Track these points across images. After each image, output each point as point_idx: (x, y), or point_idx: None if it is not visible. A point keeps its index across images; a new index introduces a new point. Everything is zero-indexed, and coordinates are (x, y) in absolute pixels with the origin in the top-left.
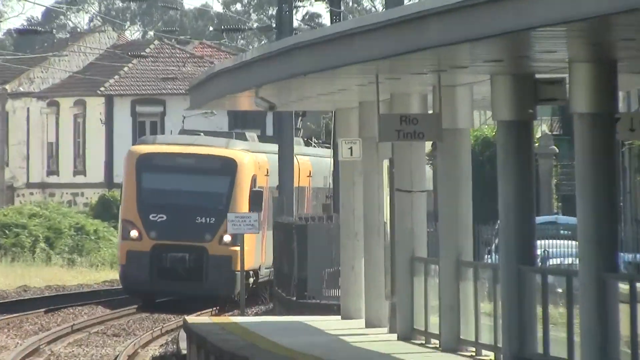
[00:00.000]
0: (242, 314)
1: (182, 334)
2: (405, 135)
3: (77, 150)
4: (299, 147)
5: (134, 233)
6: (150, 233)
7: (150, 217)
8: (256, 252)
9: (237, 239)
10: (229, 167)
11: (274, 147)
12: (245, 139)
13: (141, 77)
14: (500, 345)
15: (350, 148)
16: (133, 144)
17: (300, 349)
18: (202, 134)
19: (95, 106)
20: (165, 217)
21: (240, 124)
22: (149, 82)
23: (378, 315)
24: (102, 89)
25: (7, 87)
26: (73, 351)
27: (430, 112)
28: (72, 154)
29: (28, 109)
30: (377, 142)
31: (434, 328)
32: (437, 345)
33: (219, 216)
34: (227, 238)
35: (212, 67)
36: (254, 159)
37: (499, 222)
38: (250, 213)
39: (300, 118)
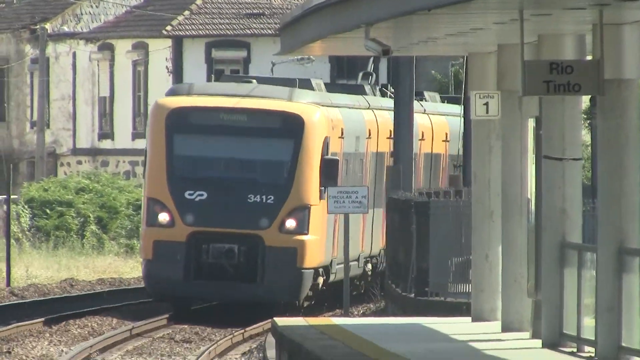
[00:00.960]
0: (346, 314)
1: (270, 339)
2: (556, 87)
3: (137, 107)
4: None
5: (163, 217)
6: (185, 217)
7: (186, 195)
8: (327, 243)
9: (304, 224)
10: (293, 127)
11: (350, 99)
12: (312, 88)
13: (218, 13)
14: None
15: (486, 104)
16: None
17: (419, 359)
18: (254, 80)
19: (160, 50)
20: (205, 196)
21: (346, 73)
22: (228, 20)
23: (518, 316)
24: (168, 28)
25: (47, 26)
26: None
27: (589, 58)
28: (131, 112)
29: (74, 54)
30: (520, 96)
31: (588, 333)
32: (592, 354)
33: (280, 193)
34: (290, 223)
35: (307, 0)
36: (326, 116)
37: None
38: (358, 187)
39: (377, 60)
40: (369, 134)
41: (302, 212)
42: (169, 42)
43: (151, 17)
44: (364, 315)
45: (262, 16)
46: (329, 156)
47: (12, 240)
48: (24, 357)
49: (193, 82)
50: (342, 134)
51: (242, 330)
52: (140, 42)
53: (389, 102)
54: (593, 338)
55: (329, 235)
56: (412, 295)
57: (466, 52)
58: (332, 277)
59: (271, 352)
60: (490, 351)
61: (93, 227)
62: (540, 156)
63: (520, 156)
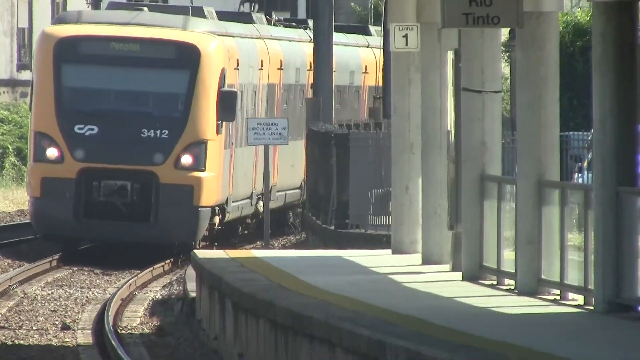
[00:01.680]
0: (266, 246)
1: (190, 272)
2: (475, 20)
3: None
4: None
5: (52, 152)
6: (75, 152)
7: (76, 129)
8: (223, 181)
9: (201, 160)
10: (189, 57)
11: (243, 29)
12: (204, 16)
13: None
14: (591, 287)
15: (406, 36)
16: None
17: (339, 291)
18: (146, 9)
19: None
20: (97, 130)
21: (265, 5)
22: None
23: (438, 249)
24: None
25: None
26: (52, 293)
27: None
28: None
29: None
30: (440, 28)
31: (508, 265)
32: (512, 287)
33: (175, 128)
34: (186, 159)
35: None
36: (222, 46)
37: (592, 131)
38: (278, 119)
39: None
40: (261, 65)
41: (199, 147)
42: None
43: None
44: (284, 247)
45: None
46: (226, 88)
47: None
48: None
49: (82, 10)
50: (237, 64)
51: (163, 263)
52: None
53: (279, 31)
54: (513, 271)
55: (225, 172)
56: (333, 227)
57: None
58: (227, 216)
59: (191, 285)
60: (411, 284)
61: (12, 158)
62: (460, 89)
63: (440, 89)
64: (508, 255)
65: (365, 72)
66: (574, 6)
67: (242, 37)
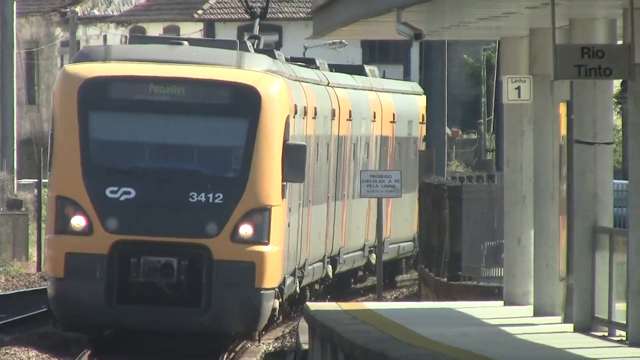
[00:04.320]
0: (379, 298)
1: (303, 325)
2: (587, 71)
3: None
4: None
5: (78, 221)
6: (107, 222)
7: (108, 192)
8: (290, 251)
9: (264, 232)
10: (248, 102)
11: (310, 72)
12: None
13: None
14: None
15: (518, 88)
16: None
17: (450, 342)
18: (185, 42)
19: (192, 34)
20: (133, 194)
21: (378, 57)
22: (259, 3)
23: (550, 300)
24: (199, 12)
25: (77, 9)
26: None
27: (620, 42)
28: None
29: (105, 37)
30: (552, 80)
31: (619, 317)
32: (624, 338)
33: (231, 190)
34: (246, 230)
35: None
36: (287, 88)
37: None
38: (391, 171)
39: (405, 44)
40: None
41: (261, 214)
42: (200, 26)
43: (183, 0)
44: (396, 299)
45: (293, 0)
46: (294, 141)
47: (42, 224)
48: None
49: (110, 44)
50: (314, 113)
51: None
52: (171, 25)
53: (390, 84)
54: (624, 322)
55: (291, 241)
56: (445, 279)
57: (498, 36)
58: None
59: (304, 337)
60: (522, 335)
61: None
62: (572, 141)
63: (552, 140)
64: (619, 306)
65: (422, 122)
66: None
67: (313, 83)
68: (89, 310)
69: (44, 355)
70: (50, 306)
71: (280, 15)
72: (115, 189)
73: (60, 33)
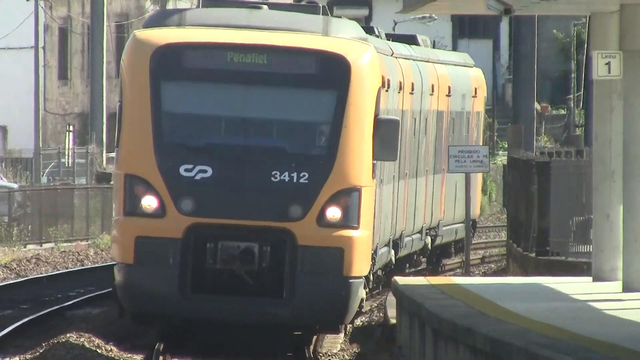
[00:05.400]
0: (467, 273)
1: (390, 299)
2: None
3: None
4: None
5: (149, 202)
6: (181, 203)
7: (182, 171)
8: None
9: (354, 215)
10: (336, 72)
11: (405, 49)
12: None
13: None
14: None
15: (608, 64)
16: None
17: (538, 318)
18: (265, 6)
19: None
20: (210, 172)
21: (467, 32)
22: None
23: (639, 276)
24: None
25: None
26: None
27: None
28: None
29: None
30: None
31: None
32: None
33: (318, 169)
34: (333, 213)
35: None
36: (378, 58)
37: None
38: (479, 147)
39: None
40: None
41: (350, 196)
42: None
43: None
44: (484, 274)
45: None
46: (387, 116)
47: None
48: None
49: (185, 8)
50: (412, 87)
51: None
52: None
53: (445, 55)
54: None
55: (376, 219)
56: (533, 254)
57: (588, 11)
58: (400, 252)
59: (391, 312)
60: (611, 311)
61: None
62: None
63: None
64: None
65: (475, 96)
66: None
67: (407, 59)
68: (161, 300)
69: (108, 346)
70: (118, 295)
71: None
72: (190, 167)
73: (150, 6)
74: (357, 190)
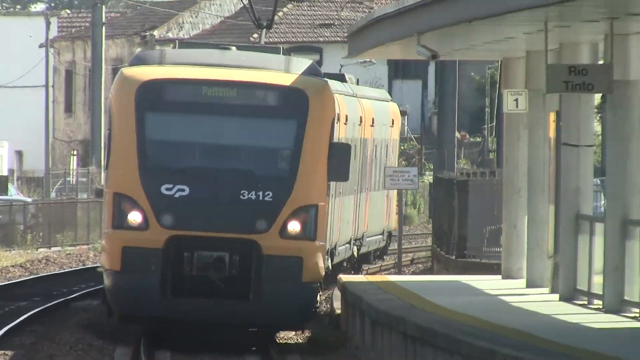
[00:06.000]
0: (399, 272)
1: (336, 293)
2: (573, 86)
3: None
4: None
5: (134, 217)
6: (162, 218)
7: (163, 189)
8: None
9: (311, 228)
10: (296, 104)
11: (341, 86)
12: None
13: (296, 23)
14: None
15: (516, 100)
16: None
17: (458, 309)
18: (233, 47)
19: None
20: (188, 191)
21: (401, 74)
22: (304, 29)
23: (540, 275)
24: (254, 35)
25: (155, 32)
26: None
27: (601, 62)
28: None
29: None
30: (544, 93)
31: (597, 288)
32: (600, 306)
33: (281, 188)
34: (294, 226)
35: (371, 12)
36: (331, 91)
37: None
38: (410, 167)
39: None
40: (360, 121)
41: (308, 212)
42: None
43: (241, 26)
44: (413, 273)
45: (332, 26)
46: (340, 141)
47: None
48: None
49: (165, 49)
50: (346, 119)
51: None
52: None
53: (369, 91)
54: (601, 293)
55: (333, 222)
56: (454, 257)
57: (500, 56)
58: (334, 260)
59: (337, 303)
60: (517, 303)
61: None
62: (560, 143)
63: (543, 143)
64: (597, 280)
65: (392, 126)
66: None
67: (341, 94)
68: (145, 303)
69: (83, 344)
70: (107, 298)
71: (321, 39)
72: (170, 186)
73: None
74: (314, 207)
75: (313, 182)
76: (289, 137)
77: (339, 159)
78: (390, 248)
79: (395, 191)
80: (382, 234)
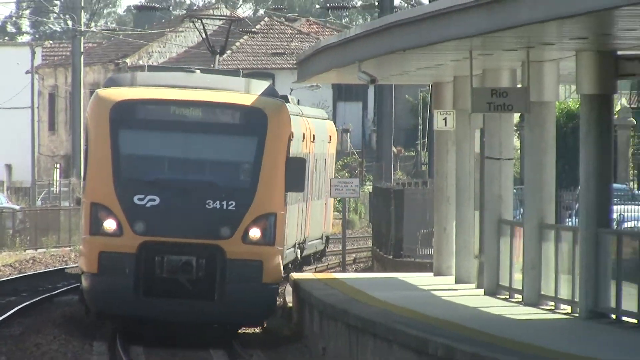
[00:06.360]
0: (343, 270)
1: (288, 289)
2: (495, 107)
3: None
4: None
5: (109, 224)
6: (135, 225)
7: (135, 199)
8: (300, 227)
9: (270, 234)
10: (256, 122)
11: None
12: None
13: (251, 52)
14: (577, 300)
15: (445, 119)
16: None
17: (395, 303)
18: (197, 71)
19: None
20: (158, 201)
21: (344, 96)
22: (258, 57)
23: (467, 272)
24: (215, 63)
25: (127, 60)
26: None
27: (519, 86)
28: None
29: None
30: (470, 113)
31: (517, 284)
32: (520, 300)
33: (243, 198)
34: (255, 233)
35: (318, 43)
36: (287, 110)
37: (579, 188)
38: (353, 179)
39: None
40: (303, 137)
41: (268, 220)
42: None
43: (203, 54)
44: (356, 271)
45: (283, 55)
46: (295, 156)
47: None
48: None
49: (136, 72)
50: (292, 136)
51: None
52: None
53: (309, 111)
54: (521, 288)
55: (300, 221)
56: (391, 257)
57: (431, 81)
58: (306, 252)
59: (289, 298)
60: (447, 297)
61: None
62: (484, 157)
63: (469, 156)
64: (517, 277)
65: (329, 142)
66: (567, 97)
67: (312, 118)
68: (119, 303)
69: (66, 334)
70: (85, 297)
71: (274, 66)
72: (142, 196)
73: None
74: (273, 215)
75: (272, 192)
76: (249, 152)
77: (295, 172)
78: (334, 249)
79: (332, 200)
80: (321, 238)
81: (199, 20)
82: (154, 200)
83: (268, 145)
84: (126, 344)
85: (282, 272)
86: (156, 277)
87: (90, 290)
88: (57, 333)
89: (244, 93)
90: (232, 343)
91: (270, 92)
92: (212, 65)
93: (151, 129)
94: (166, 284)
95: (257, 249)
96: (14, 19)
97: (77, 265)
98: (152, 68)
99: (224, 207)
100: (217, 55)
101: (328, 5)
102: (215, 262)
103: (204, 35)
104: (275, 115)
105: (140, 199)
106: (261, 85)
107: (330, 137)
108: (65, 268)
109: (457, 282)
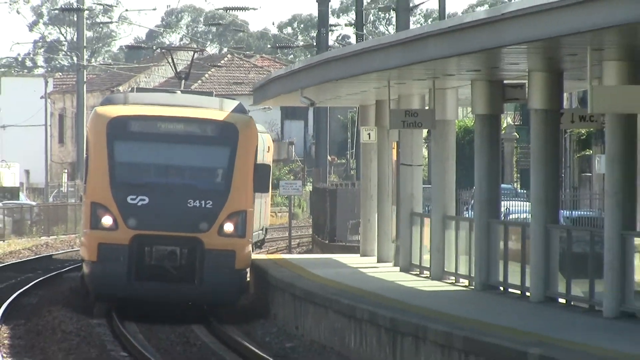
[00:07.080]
0: (290, 252)
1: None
2: (408, 124)
3: None
4: None
5: (107, 220)
6: (128, 221)
7: (128, 199)
8: (260, 221)
9: (242, 228)
10: (229, 134)
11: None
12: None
13: (218, 81)
14: (473, 275)
15: (369, 133)
16: None
17: (331, 278)
18: (178, 91)
19: None
20: (147, 200)
21: (290, 116)
22: (222, 85)
23: (386, 253)
24: (192, 87)
25: (120, 88)
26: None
27: (427, 107)
28: None
29: None
30: (388, 129)
31: (426, 263)
32: (428, 275)
33: (218, 198)
34: (228, 227)
35: (269, 74)
36: (255, 125)
37: (474, 187)
38: (297, 181)
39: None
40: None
41: (239, 216)
42: None
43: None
44: (300, 253)
45: (242, 84)
46: (261, 162)
47: None
48: None
49: (127, 93)
50: (264, 147)
51: None
52: None
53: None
54: (429, 266)
55: (260, 217)
56: (327, 241)
57: (358, 104)
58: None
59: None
60: (371, 273)
61: None
62: (399, 163)
63: (388, 163)
64: (426, 257)
65: (268, 152)
66: (465, 116)
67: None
68: (115, 286)
69: (73, 304)
70: (85, 281)
71: (235, 92)
72: (134, 197)
73: None
74: (244, 212)
75: (243, 193)
76: (224, 159)
77: (262, 176)
78: (283, 236)
79: (269, 196)
80: (262, 229)
81: (169, 53)
82: (144, 200)
83: (239, 154)
84: (121, 322)
85: (251, 259)
86: (146, 264)
87: (90, 276)
88: (66, 302)
89: (219, 110)
90: (209, 320)
91: (240, 109)
92: (180, 88)
93: (141, 140)
94: (154, 270)
95: (231, 241)
96: (31, 55)
97: (65, 251)
98: (140, 89)
99: (203, 206)
100: (183, 80)
101: (277, 45)
102: (196, 252)
103: (171, 63)
104: (245, 129)
105: (132, 199)
106: (232, 104)
107: (269, 147)
108: (53, 255)
109: (378, 261)
